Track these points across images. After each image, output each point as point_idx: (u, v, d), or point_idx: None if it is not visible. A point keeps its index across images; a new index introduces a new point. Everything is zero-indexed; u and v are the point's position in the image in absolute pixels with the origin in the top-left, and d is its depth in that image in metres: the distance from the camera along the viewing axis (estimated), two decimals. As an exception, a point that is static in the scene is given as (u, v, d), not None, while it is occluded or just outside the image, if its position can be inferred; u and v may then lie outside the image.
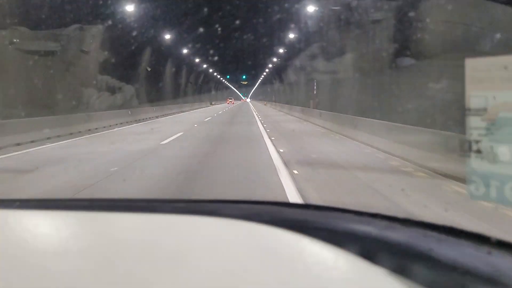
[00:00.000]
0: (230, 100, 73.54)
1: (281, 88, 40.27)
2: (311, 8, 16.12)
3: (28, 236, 0.72)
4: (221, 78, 73.95)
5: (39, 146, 8.35)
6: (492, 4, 6.98)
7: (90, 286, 0.53)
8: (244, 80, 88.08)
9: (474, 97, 0.54)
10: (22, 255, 0.61)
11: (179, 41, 26.45)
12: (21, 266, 0.57)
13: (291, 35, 23.30)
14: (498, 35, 6.56)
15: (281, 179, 4.68)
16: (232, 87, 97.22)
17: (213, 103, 57.96)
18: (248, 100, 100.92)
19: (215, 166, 5.99)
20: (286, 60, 29.77)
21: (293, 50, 24.89)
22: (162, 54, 25.07)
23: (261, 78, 69.01)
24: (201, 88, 48.85)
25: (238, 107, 42.32)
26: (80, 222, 0.81)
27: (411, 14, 8.81)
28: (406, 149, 6.24)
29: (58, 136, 9.83)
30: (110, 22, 15.41)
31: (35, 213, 0.87)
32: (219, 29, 30.43)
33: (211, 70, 52.70)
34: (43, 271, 0.56)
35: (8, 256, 0.61)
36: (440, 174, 4.89)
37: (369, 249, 0.63)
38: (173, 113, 25.54)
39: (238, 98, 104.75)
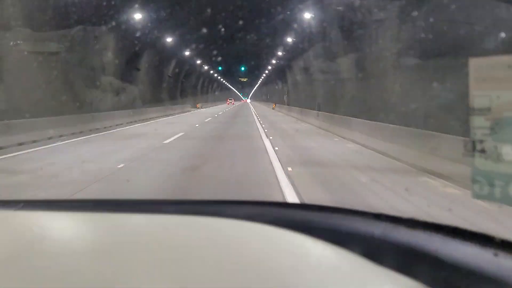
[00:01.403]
0: (230, 101, 72.67)
1: (302, 82, 24.52)
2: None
3: (33, 236, 0.72)
4: (219, 77, 61.89)
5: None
6: (496, 2, 6.92)
7: (96, 286, 0.53)
8: (243, 73, 68.19)
9: (478, 97, 0.53)
10: (27, 255, 0.62)
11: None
12: (25, 266, 0.58)
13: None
14: (502, 34, 6.51)
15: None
16: (232, 88, 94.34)
17: (198, 105, 41.09)
18: (249, 100, 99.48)
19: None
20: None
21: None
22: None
23: (263, 76, 58.16)
24: (182, 86, 34.96)
25: (233, 114, 28.18)
26: (85, 223, 0.81)
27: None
28: None
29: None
30: (113, 23, 15.37)
31: (39, 214, 0.88)
32: (220, 27, 25.23)
33: (199, 63, 37.85)
34: (48, 271, 0.56)
35: (13, 256, 0.61)
36: None
37: (373, 249, 0.63)
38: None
39: (238, 99, 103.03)
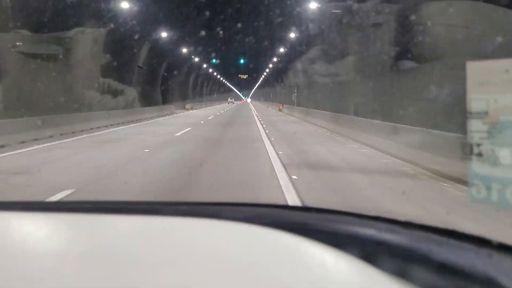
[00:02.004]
0: (231, 100, 74.53)
1: (321, 77, 18.27)
2: None
3: (30, 238, 0.72)
4: (215, 73, 54.86)
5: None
6: (494, 6, 6.94)
7: None
8: (243, 68, 57.42)
9: (475, 100, 0.54)
10: (24, 257, 0.61)
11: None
12: (22, 268, 0.58)
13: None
14: (499, 38, 6.53)
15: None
16: (232, 87, 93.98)
17: (188, 106, 33.15)
18: (249, 100, 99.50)
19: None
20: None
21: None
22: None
23: (265, 73, 51.38)
24: (165, 82, 27.09)
25: (229, 119, 20.23)
26: (81, 225, 0.81)
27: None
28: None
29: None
30: (112, 25, 15.23)
31: (37, 216, 0.87)
32: (219, 29, 23.95)
33: (188, 53, 29.32)
34: (44, 273, 0.56)
35: (10, 258, 0.61)
36: None
37: (370, 252, 0.63)
38: None
39: (238, 98, 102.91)
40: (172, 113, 25.24)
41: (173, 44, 24.09)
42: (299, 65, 24.51)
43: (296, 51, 23.26)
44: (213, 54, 37.64)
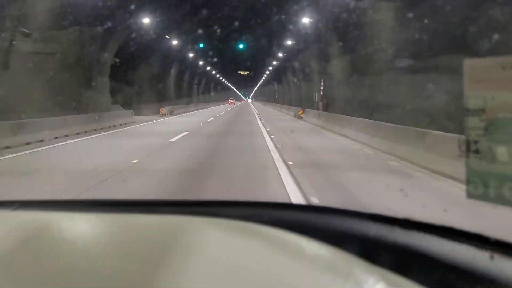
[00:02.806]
0: (231, 101, 72.82)
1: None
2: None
3: (28, 237, 0.72)
4: (209, 68, 45.29)
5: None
6: (491, 4, 6.91)
7: (91, 286, 0.53)
8: (243, 55, 45.07)
9: (472, 98, 0.54)
10: (22, 256, 0.61)
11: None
12: (20, 267, 0.58)
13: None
14: (496, 36, 6.52)
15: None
16: (231, 87, 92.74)
17: (163, 110, 23.35)
18: (250, 100, 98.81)
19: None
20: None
21: None
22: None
23: (271, 68, 44.42)
24: (124, 73, 19.00)
25: (216, 140, 10.07)
26: (80, 223, 0.81)
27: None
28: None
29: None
30: (110, 24, 15.06)
31: (34, 214, 0.87)
32: (217, 29, 21.63)
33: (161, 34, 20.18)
34: (42, 272, 0.56)
35: (8, 257, 0.61)
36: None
37: (368, 249, 0.64)
38: None
39: (239, 99, 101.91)
40: (120, 125, 15.17)
41: (132, 15, 15.06)
42: (338, 40, 15.37)
43: (322, 27, 15.68)
44: (202, 42, 28.90)
